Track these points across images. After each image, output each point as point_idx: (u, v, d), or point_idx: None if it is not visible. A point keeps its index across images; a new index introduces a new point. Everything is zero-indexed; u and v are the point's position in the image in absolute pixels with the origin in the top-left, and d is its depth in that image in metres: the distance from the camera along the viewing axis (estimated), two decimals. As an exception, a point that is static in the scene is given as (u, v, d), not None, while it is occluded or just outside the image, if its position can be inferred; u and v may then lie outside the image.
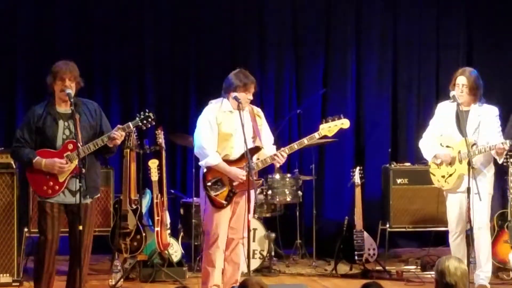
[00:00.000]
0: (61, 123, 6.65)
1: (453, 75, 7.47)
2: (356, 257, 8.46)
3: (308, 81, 10.15)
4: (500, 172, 7.89)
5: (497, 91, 9.85)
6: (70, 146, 6.60)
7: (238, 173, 6.91)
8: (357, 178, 8.63)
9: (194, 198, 8.42)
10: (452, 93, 7.29)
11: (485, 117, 7.41)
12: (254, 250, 8.33)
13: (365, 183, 8.90)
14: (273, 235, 8.58)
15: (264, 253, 8.49)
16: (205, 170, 7.02)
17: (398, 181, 9.05)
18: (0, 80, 9.49)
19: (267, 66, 10.08)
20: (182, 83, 9.92)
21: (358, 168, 8.72)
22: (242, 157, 6.94)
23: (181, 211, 8.84)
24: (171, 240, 8.35)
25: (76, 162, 6.57)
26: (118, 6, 9.75)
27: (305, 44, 10.15)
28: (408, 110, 10.23)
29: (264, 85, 10.01)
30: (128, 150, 8.22)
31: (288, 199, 8.87)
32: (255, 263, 8.31)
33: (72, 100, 6.55)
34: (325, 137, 7.23)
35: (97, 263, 8.89)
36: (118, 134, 6.64)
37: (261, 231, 8.49)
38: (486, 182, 7.37)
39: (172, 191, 9.11)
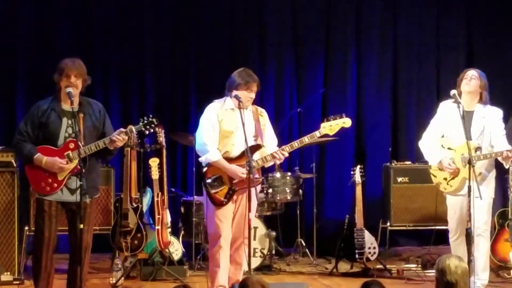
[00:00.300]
0: (64, 120, 6.66)
1: (456, 75, 7.41)
2: (356, 256, 8.46)
3: (308, 80, 10.15)
4: (500, 170, 7.87)
5: (497, 91, 9.80)
6: (71, 145, 6.60)
7: (238, 170, 6.92)
8: (357, 177, 8.62)
9: (195, 197, 8.42)
10: (452, 92, 7.09)
11: (490, 119, 7.29)
12: (254, 249, 8.32)
13: (365, 181, 8.90)
14: (273, 233, 8.58)
15: (265, 252, 8.49)
16: (205, 169, 7.03)
17: (399, 179, 9.04)
18: (0, 79, 9.49)
19: (267, 66, 10.08)
20: (182, 82, 9.92)
21: (358, 166, 8.72)
22: (242, 155, 6.96)
23: (182, 209, 8.85)
24: (172, 239, 8.35)
25: (76, 161, 6.57)
26: (118, 6, 9.75)
27: (305, 44, 10.15)
28: (408, 109, 10.22)
29: (264, 84, 9.95)
30: (129, 149, 8.24)
31: (289, 198, 8.87)
32: (256, 262, 8.31)
33: (72, 98, 6.56)
34: (326, 135, 7.22)
35: (98, 262, 8.90)
36: (120, 138, 6.64)
37: (261, 229, 8.50)
38: (488, 187, 7.29)
39: (173, 189, 9.11)
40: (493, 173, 7.40)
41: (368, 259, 8.50)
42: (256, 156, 7.00)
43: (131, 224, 8.24)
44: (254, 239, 8.32)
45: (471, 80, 7.27)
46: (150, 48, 9.88)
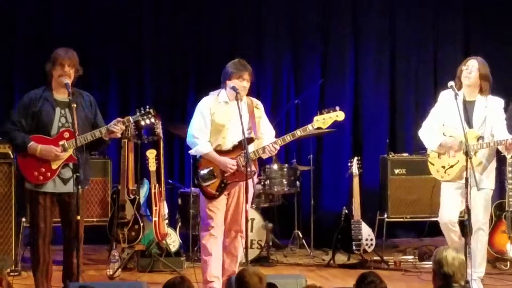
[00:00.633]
0: (57, 110, 6.64)
1: (459, 66, 7.33)
2: (354, 247, 8.46)
3: (306, 72, 10.14)
4: (498, 162, 7.86)
5: (494, 84, 9.83)
6: (66, 135, 6.59)
7: (228, 162, 6.88)
8: (355, 169, 8.62)
9: (192, 188, 8.41)
10: (450, 83, 7.04)
11: (492, 109, 7.21)
12: (252, 240, 8.33)
13: (363, 173, 8.88)
14: (271, 225, 8.59)
15: (262, 243, 8.49)
16: (198, 161, 7.00)
17: (396, 171, 9.04)
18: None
19: (265, 57, 10.07)
20: (180, 73, 9.91)
21: (356, 158, 8.72)
22: (234, 148, 6.93)
23: (179, 201, 8.85)
24: (169, 230, 8.35)
25: (71, 151, 6.56)
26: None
27: (303, 35, 10.14)
28: (406, 101, 10.22)
29: (262, 76, 10.00)
30: (126, 140, 8.22)
31: (286, 189, 8.87)
32: (253, 253, 8.32)
33: (70, 90, 6.55)
34: (320, 128, 7.18)
35: (95, 253, 8.91)
36: (117, 127, 6.63)
37: (259, 221, 8.50)
38: (489, 178, 7.23)
39: (170, 181, 9.11)
40: (493, 164, 7.31)
41: (365, 251, 8.50)
42: (249, 148, 6.89)
43: (128, 215, 8.23)
44: (252, 230, 8.32)
45: (471, 72, 7.19)
46: (149, 41, 9.87)
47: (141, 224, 8.24)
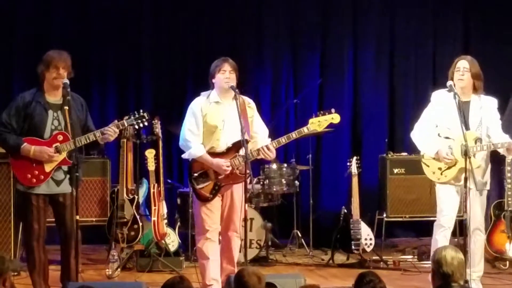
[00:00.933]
0: (50, 113, 6.62)
1: (451, 65, 7.30)
2: (353, 247, 8.46)
3: (305, 72, 10.14)
4: (497, 161, 7.86)
5: (494, 82, 9.82)
6: (60, 138, 6.57)
7: (221, 164, 6.81)
8: (354, 168, 8.62)
9: (191, 188, 8.40)
10: (449, 83, 7.03)
11: (487, 110, 7.17)
12: (251, 240, 8.33)
13: (362, 173, 8.88)
14: (270, 224, 8.59)
15: (261, 243, 8.50)
16: (190, 163, 6.96)
17: (395, 171, 9.04)
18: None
19: (264, 57, 10.08)
20: (179, 72, 9.91)
21: (355, 158, 8.72)
22: (228, 150, 6.88)
23: (178, 201, 8.85)
24: (168, 230, 8.36)
25: (64, 154, 6.55)
26: (116, 1, 9.76)
27: (302, 35, 10.14)
28: (405, 101, 10.21)
29: (261, 75, 10.02)
30: (125, 140, 8.23)
31: (285, 189, 8.87)
32: (252, 253, 8.31)
33: (68, 90, 6.53)
34: (315, 131, 7.14)
35: (94, 253, 8.91)
36: (111, 131, 6.61)
37: (258, 221, 8.50)
38: (485, 179, 7.18)
39: (169, 181, 9.11)
40: (489, 164, 7.27)
41: (364, 251, 8.50)
42: (243, 151, 6.80)
43: (127, 215, 8.23)
44: (251, 230, 8.31)
45: (464, 74, 7.14)
46: (148, 41, 9.87)
47: (140, 224, 8.24)
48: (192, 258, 8.37)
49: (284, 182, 8.83)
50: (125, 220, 8.22)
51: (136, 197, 8.29)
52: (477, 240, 7.19)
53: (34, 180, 6.58)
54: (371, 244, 8.53)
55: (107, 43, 9.73)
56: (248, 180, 6.62)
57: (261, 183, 8.73)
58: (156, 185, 8.26)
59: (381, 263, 8.52)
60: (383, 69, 10.23)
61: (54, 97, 6.65)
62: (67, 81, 6.55)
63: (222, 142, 6.90)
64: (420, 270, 8.17)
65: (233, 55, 7.22)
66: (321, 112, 7.02)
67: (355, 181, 8.58)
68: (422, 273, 7.95)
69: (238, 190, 6.90)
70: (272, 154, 6.92)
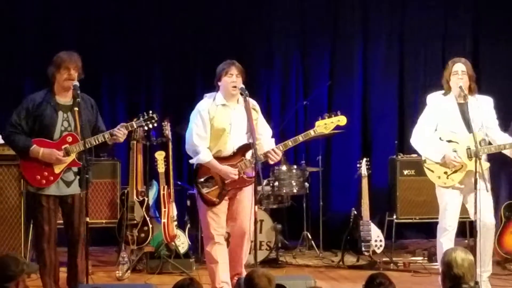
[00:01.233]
0: (60, 114, 6.64)
1: (445, 68, 7.28)
2: (363, 248, 8.45)
3: (314, 73, 10.13)
4: (506, 162, 7.82)
5: (502, 82, 9.84)
6: (69, 139, 6.60)
7: (229, 171, 6.81)
8: (364, 170, 8.61)
9: (197, 192, 8.40)
10: (459, 84, 7.04)
11: (484, 110, 7.17)
12: (261, 242, 8.32)
13: (372, 174, 8.88)
14: (279, 226, 8.59)
15: (271, 245, 8.48)
16: (196, 167, 6.94)
17: (405, 172, 9.02)
18: (8, 76, 9.48)
19: (273, 59, 10.08)
20: (188, 74, 9.90)
21: (365, 159, 8.72)
22: (235, 154, 6.88)
23: (188, 202, 8.84)
24: (178, 232, 8.36)
25: (74, 155, 6.57)
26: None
27: (311, 36, 10.13)
28: (415, 102, 10.17)
29: (270, 77, 10.03)
30: (135, 142, 8.23)
31: (295, 191, 8.87)
32: (262, 255, 8.30)
33: (79, 92, 6.56)
34: (322, 133, 7.14)
35: (104, 255, 8.93)
36: (121, 132, 6.64)
37: (268, 222, 8.49)
38: (487, 179, 7.14)
39: (179, 182, 9.10)
40: (487, 165, 7.21)
41: (374, 252, 8.49)
42: (249, 154, 6.84)
43: (137, 217, 8.24)
44: (260, 232, 8.32)
45: (462, 77, 7.14)
46: (158, 43, 9.87)
47: (150, 226, 8.24)
48: (202, 260, 8.37)
49: (294, 183, 8.83)
50: (135, 222, 8.23)
51: (146, 199, 8.29)
52: (488, 240, 7.12)
53: (44, 181, 6.60)
54: (381, 245, 8.52)
55: (117, 45, 9.74)
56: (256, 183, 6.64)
57: (271, 184, 8.73)
58: (166, 187, 8.26)
59: (391, 264, 8.50)
60: (392, 70, 10.21)
61: (64, 98, 6.67)
62: (77, 83, 6.58)
63: (229, 146, 6.89)
64: (430, 272, 8.14)
65: (243, 57, 7.25)
66: (327, 114, 7.03)
67: (365, 182, 8.58)
68: (432, 275, 7.91)
69: (247, 192, 6.89)
70: (278, 157, 6.92)
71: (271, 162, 7.05)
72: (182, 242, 8.44)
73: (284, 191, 8.82)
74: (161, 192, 8.25)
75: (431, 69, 10.21)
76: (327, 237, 9.19)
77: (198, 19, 9.84)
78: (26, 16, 9.60)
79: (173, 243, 8.24)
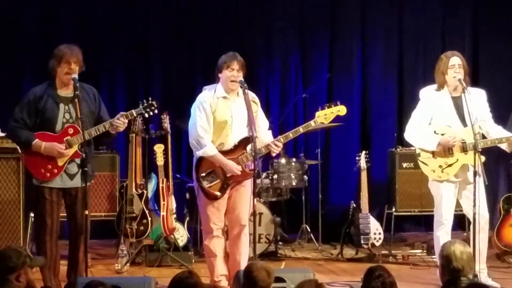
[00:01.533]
0: (61, 106, 6.66)
1: (439, 63, 7.27)
2: (362, 241, 8.46)
3: (314, 66, 10.13)
4: (505, 155, 7.82)
5: (502, 79, 9.84)
6: (71, 131, 6.60)
7: (234, 167, 6.80)
8: (363, 162, 8.62)
9: (197, 186, 8.40)
10: (458, 77, 7.03)
11: (477, 103, 7.13)
12: (260, 235, 8.33)
13: (371, 167, 8.88)
14: (278, 219, 8.59)
15: (270, 238, 8.48)
16: (197, 161, 6.91)
17: (404, 165, 9.02)
18: (8, 75, 9.48)
19: (273, 52, 10.08)
20: (187, 67, 9.89)
21: (364, 152, 8.71)
22: (236, 148, 6.87)
23: (187, 195, 8.84)
24: (177, 225, 8.36)
25: (76, 147, 6.58)
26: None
27: (310, 29, 10.12)
28: (414, 95, 10.14)
29: (270, 70, 10.02)
30: (134, 135, 8.23)
31: (294, 184, 8.86)
32: (261, 248, 8.32)
33: (78, 84, 6.56)
34: (322, 123, 7.14)
35: (103, 248, 8.93)
36: (121, 121, 6.64)
37: (267, 215, 8.49)
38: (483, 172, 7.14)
39: (178, 175, 9.10)
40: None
41: (373, 245, 8.50)
42: (250, 147, 6.80)
43: (136, 210, 8.24)
44: (259, 225, 8.32)
45: (460, 69, 7.13)
46: (156, 36, 9.88)
47: (149, 219, 8.24)
48: (201, 253, 8.37)
49: (293, 176, 8.82)
50: (134, 215, 8.23)
51: (145, 192, 8.30)
52: (485, 232, 7.14)
53: (48, 174, 6.63)
54: (380, 238, 8.53)
55: (116, 39, 9.74)
56: (256, 176, 6.62)
57: (270, 177, 8.73)
58: (165, 180, 8.26)
59: (390, 257, 8.51)
60: (391, 63, 10.22)
61: (65, 91, 6.69)
62: (76, 76, 6.58)
63: (230, 139, 6.87)
64: (429, 264, 8.15)
65: (242, 50, 7.21)
66: (327, 104, 7.03)
67: (364, 175, 8.58)
68: (431, 267, 7.93)
69: (246, 185, 6.89)
70: (279, 149, 6.93)
71: (273, 154, 7.05)
72: (181, 235, 8.45)
73: (283, 184, 8.82)
74: (160, 185, 8.25)
75: (430, 63, 10.11)
76: (326, 230, 9.19)
77: (197, 14, 9.83)
78: (26, 15, 9.59)
79: (172, 236, 8.24)
